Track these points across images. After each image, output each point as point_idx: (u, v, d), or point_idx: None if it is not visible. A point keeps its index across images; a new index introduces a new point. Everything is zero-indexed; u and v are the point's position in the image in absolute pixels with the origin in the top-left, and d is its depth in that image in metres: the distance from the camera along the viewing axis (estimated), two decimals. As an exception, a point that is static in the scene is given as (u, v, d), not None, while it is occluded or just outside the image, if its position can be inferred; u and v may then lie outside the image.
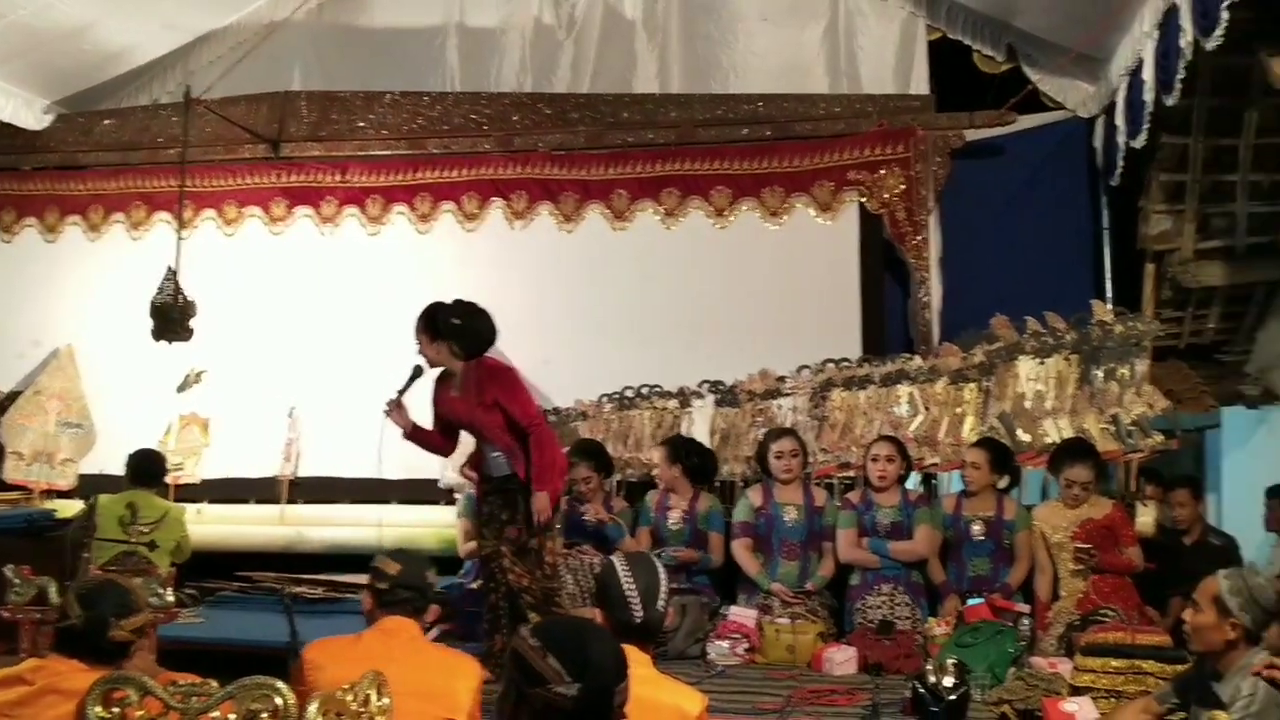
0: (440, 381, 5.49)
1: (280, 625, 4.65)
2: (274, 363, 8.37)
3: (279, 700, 2.59)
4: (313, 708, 2.55)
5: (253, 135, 8.82)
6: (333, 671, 3.24)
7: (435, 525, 7.44)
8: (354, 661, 3.22)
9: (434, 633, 5.41)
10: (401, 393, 5.42)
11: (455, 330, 5.30)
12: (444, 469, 7.64)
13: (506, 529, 5.37)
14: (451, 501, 7.40)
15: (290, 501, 8.15)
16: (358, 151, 8.83)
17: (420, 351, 5.39)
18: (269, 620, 5.46)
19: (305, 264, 8.65)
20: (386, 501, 7.76)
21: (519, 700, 2.28)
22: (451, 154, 8.68)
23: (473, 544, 6.35)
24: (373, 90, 8.90)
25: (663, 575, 3.26)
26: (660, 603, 3.21)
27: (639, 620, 3.17)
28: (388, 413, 5.41)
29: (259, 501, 8.19)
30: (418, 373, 5.44)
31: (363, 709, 2.75)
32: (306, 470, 8.26)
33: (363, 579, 3.77)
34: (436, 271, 8.25)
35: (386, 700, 2.84)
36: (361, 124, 8.86)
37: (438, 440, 5.60)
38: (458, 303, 5.39)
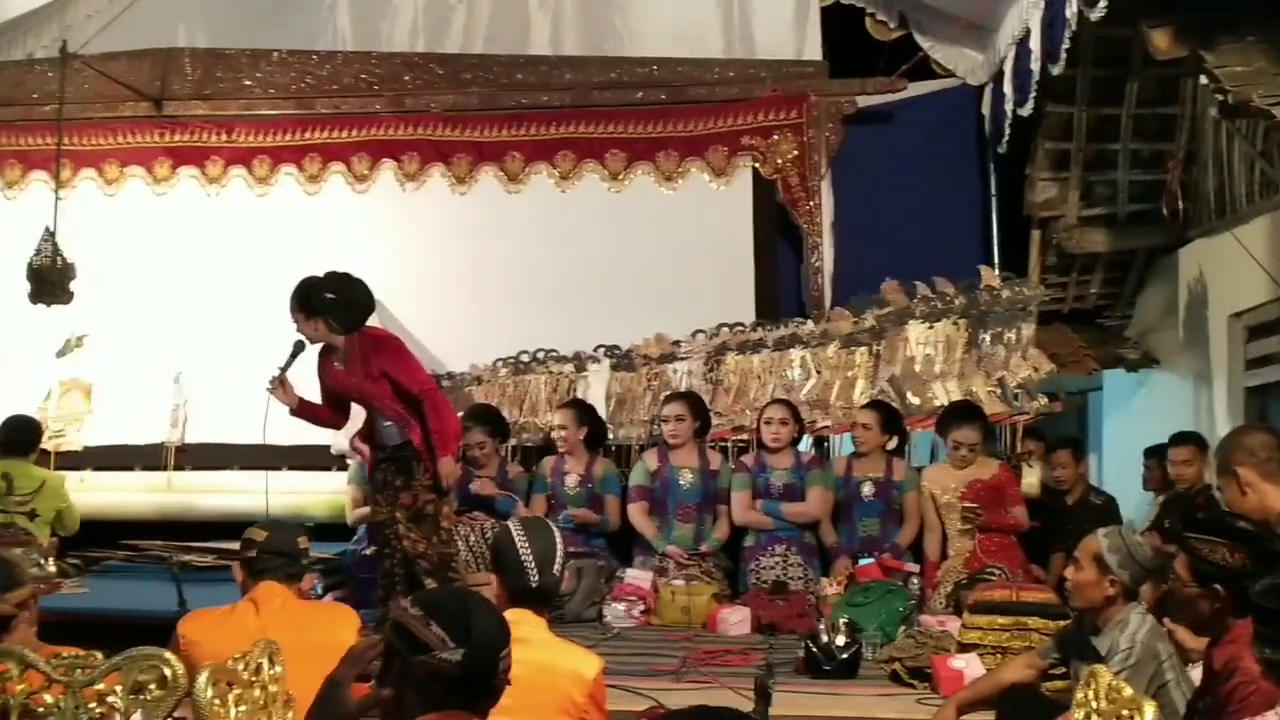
0: (324, 355, 5.39)
1: (168, 594, 4.57)
2: (159, 326, 8.15)
3: (168, 671, 2.55)
4: (202, 678, 2.51)
5: (135, 93, 8.56)
6: (208, 646, 3.20)
7: (326, 492, 7.34)
8: (229, 633, 3.18)
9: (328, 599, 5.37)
10: (284, 370, 5.32)
11: (330, 305, 5.17)
12: (335, 436, 7.54)
13: (401, 495, 5.32)
14: (344, 467, 7.30)
15: (177, 468, 7.98)
16: (244, 111, 8.62)
17: (298, 329, 5.29)
18: (156, 589, 5.35)
19: (190, 225, 8.43)
20: (277, 468, 7.61)
21: (403, 671, 2.26)
22: (341, 114, 8.53)
23: (362, 510, 6.33)
24: (260, 49, 8.68)
25: (559, 539, 3.27)
26: (556, 567, 3.21)
27: (535, 585, 3.17)
28: (271, 390, 5.29)
29: (145, 469, 8.01)
30: (299, 348, 5.34)
31: (254, 678, 2.71)
32: (194, 437, 8.09)
33: (248, 546, 3.71)
34: (326, 234, 8.11)
35: (279, 669, 2.81)
36: (248, 83, 8.65)
37: (326, 414, 5.52)
38: (330, 276, 5.25)
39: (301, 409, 5.42)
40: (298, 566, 3.56)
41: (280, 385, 5.30)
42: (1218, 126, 7.45)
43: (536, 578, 3.17)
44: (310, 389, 5.48)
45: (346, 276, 5.28)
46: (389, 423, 5.33)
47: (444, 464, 5.25)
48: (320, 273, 5.28)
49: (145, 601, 5.41)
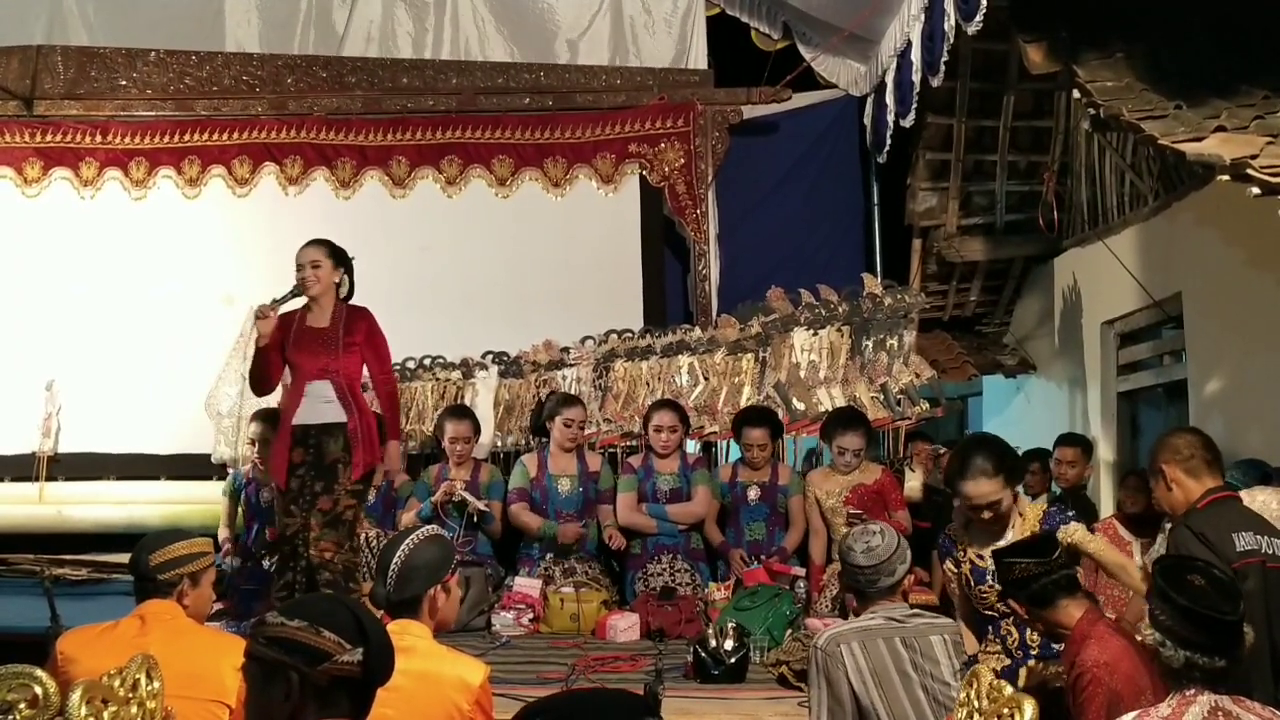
0: (300, 315, 5.34)
1: (39, 609, 4.43)
2: (29, 332, 7.90)
3: (38, 689, 2.46)
4: (75, 696, 2.43)
5: (3, 91, 8.29)
6: (87, 663, 3.09)
7: (206, 502, 7.15)
8: (109, 650, 3.08)
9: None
10: (279, 302, 5.25)
11: (350, 265, 5.42)
12: (216, 444, 7.38)
13: (320, 499, 5.14)
14: (223, 476, 7.15)
15: (49, 479, 7.73)
16: (120, 111, 8.40)
17: (306, 277, 5.26)
18: (26, 604, 5.19)
19: (63, 228, 8.18)
20: (155, 478, 7.44)
21: (301, 685, 2.22)
22: (222, 116, 8.36)
23: (226, 531, 6.37)
24: (135, 48, 8.47)
25: (401, 549, 3.21)
26: (389, 576, 3.17)
27: (376, 593, 3.17)
28: (259, 315, 5.20)
29: (15, 479, 7.74)
30: (297, 290, 5.30)
31: (131, 694, 2.64)
32: (67, 446, 7.84)
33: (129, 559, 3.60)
34: (206, 238, 7.94)
35: (157, 684, 2.74)
36: (124, 82, 8.43)
37: (279, 364, 5.34)
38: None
39: (269, 346, 5.25)
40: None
41: (272, 311, 5.20)
42: (1090, 139, 7.69)
43: (381, 588, 3.18)
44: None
45: None
46: (330, 399, 5.22)
47: (393, 446, 5.35)
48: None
49: (15, 617, 5.23)
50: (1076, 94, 5.83)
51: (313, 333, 5.28)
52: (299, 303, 5.33)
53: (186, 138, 8.32)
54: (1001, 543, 3.85)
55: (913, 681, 3.46)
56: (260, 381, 5.41)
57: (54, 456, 7.80)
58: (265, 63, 8.50)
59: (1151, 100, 5.27)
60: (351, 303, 5.42)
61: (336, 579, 5.12)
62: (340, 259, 5.38)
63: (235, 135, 8.32)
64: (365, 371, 5.45)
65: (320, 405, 5.23)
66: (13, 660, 2.50)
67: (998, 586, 3.76)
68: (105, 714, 2.51)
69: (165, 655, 2.90)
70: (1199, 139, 4.75)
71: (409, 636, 3.00)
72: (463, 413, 6.70)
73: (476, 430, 6.57)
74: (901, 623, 3.57)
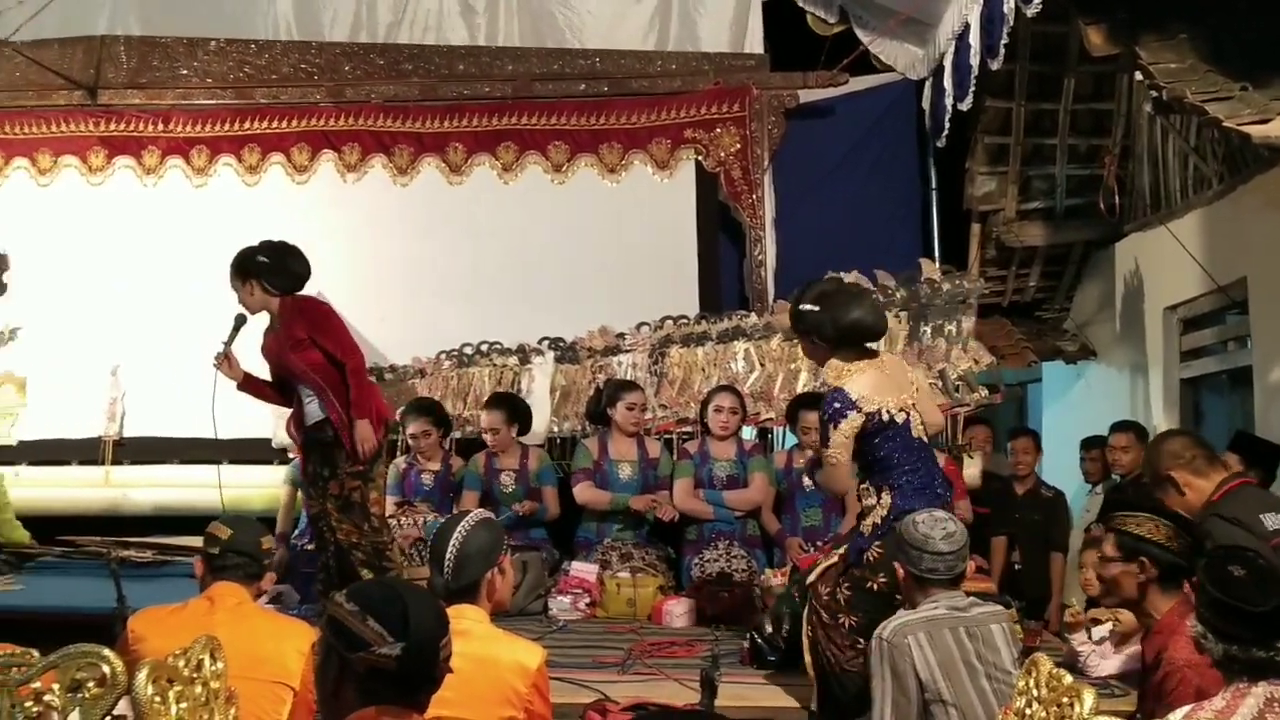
0: (267, 329, 5.38)
1: (106, 591, 4.49)
2: (95, 319, 8.03)
3: (106, 669, 2.52)
4: (142, 675, 2.48)
5: (67, 81, 8.42)
6: (155, 642, 3.15)
7: (267, 486, 7.25)
8: (177, 630, 3.13)
9: (264, 597, 5.31)
10: (227, 344, 5.29)
11: (262, 267, 5.21)
12: (277, 429, 7.47)
13: (329, 484, 5.27)
14: (285, 461, 7.24)
15: (115, 463, 7.87)
16: (181, 100, 8.52)
17: (240, 300, 5.29)
18: (93, 586, 5.26)
19: (127, 216, 8.31)
20: (217, 462, 7.53)
21: (342, 668, 2.25)
22: (280, 104, 8.44)
23: (284, 525, 6.51)
24: (196, 37, 8.58)
25: (454, 537, 3.23)
26: (446, 564, 3.19)
27: (435, 583, 3.19)
28: (217, 365, 5.27)
29: (81, 463, 7.88)
30: (240, 321, 5.33)
31: (195, 674, 2.68)
32: (132, 430, 7.98)
33: (194, 541, 3.66)
34: (266, 225, 7.92)
35: (220, 665, 2.78)
36: (184, 71, 8.54)
37: (270, 392, 5.48)
38: (264, 242, 5.30)
39: (247, 384, 5.39)
40: (257, 568, 3.50)
41: (225, 360, 5.28)
42: (1152, 122, 7.56)
43: (439, 577, 3.19)
44: (261, 368, 5.46)
45: (282, 243, 5.32)
46: (310, 398, 5.27)
47: (360, 426, 5.13)
48: None
49: (82, 598, 5.31)
50: (1138, 76, 5.75)
51: (270, 346, 5.34)
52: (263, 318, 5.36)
53: (246, 125, 8.42)
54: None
55: (978, 673, 3.44)
56: (272, 404, 5.71)
57: (119, 441, 7.95)
58: (323, 50, 8.57)
59: (1216, 82, 5.17)
60: (300, 294, 5.34)
61: (369, 559, 5.23)
62: (244, 271, 5.24)
63: (294, 123, 8.41)
64: None
65: (308, 406, 5.31)
66: (81, 640, 2.55)
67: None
68: (170, 693, 2.55)
69: (230, 637, 2.94)
70: (1265, 120, 4.67)
71: (466, 620, 3.03)
72: (494, 402, 6.71)
73: (511, 419, 6.57)
74: (964, 612, 3.55)
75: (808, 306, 4.25)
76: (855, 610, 4.11)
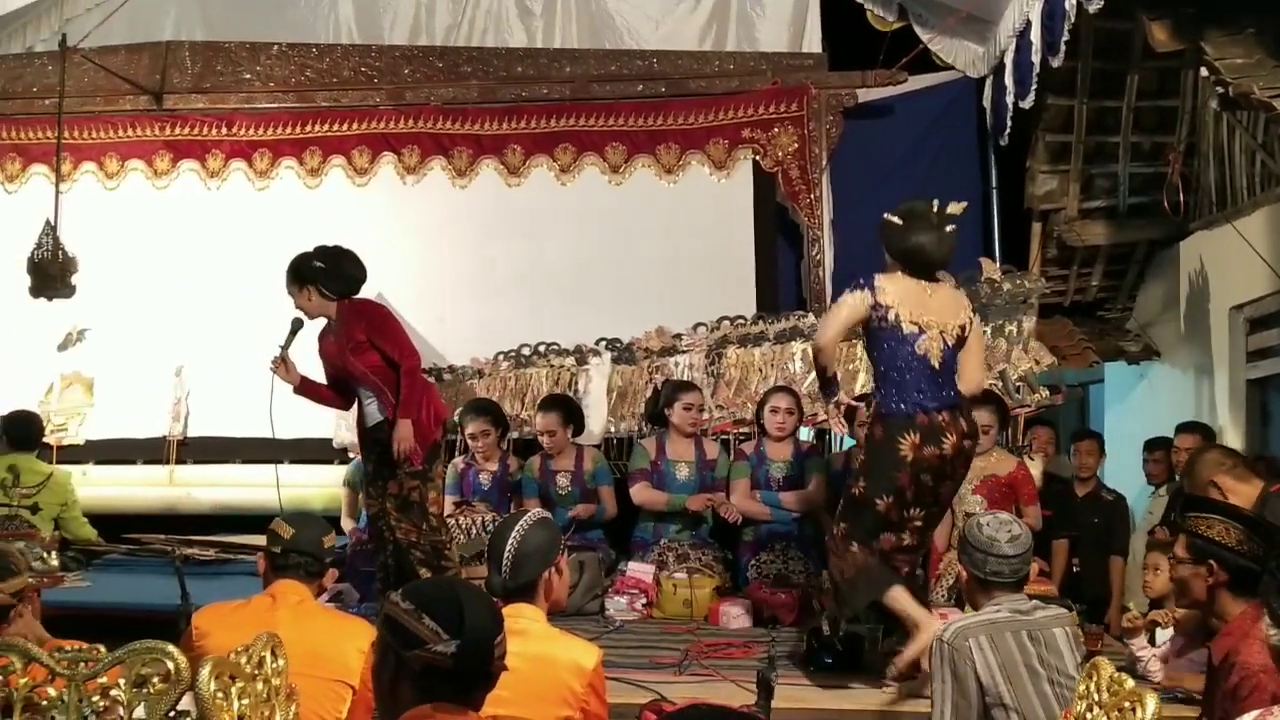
0: (323, 333, 5.46)
1: (170, 588, 4.56)
2: (160, 320, 8.17)
3: (170, 665, 2.55)
4: (205, 671, 2.51)
5: (134, 86, 8.56)
6: (219, 637, 3.19)
7: (328, 485, 7.35)
8: (239, 626, 3.17)
9: (325, 595, 5.37)
10: (284, 348, 5.37)
11: (319, 272, 5.28)
12: (337, 429, 7.56)
13: (388, 484, 5.36)
14: (345, 461, 7.32)
15: (179, 462, 8.00)
16: (244, 104, 8.64)
17: (296, 305, 5.36)
18: (158, 583, 5.36)
19: (191, 218, 8.44)
20: (279, 461, 7.62)
21: (398, 666, 2.27)
22: (341, 107, 8.53)
23: (350, 522, 6.58)
24: (259, 41, 8.69)
25: (512, 537, 3.23)
26: (504, 564, 3.20)
27: (493, 582, 3.19)
28: (274, 369, 5.35)
29: (147, 462, 8.02)
30: (297, 325, 5.40)
31: (257, 671, 2.72)
32: (195, 430, 8.10)
33: (255, 540, 3.71)
34: (327, 227, 8.03)
35: (281, 662, 2.81)
36: (247, 76, 8.66)
37: (328, 394, 5.56)
38: (320, 247, 5.37)
39: (304, 387, 5.47)
40: (319, 566, 3.53)
41: (282, 363, 5.36)
42: (1218, 119, 7.45)
43: (496, 576, 3.20)
44: (316, 372, 5.54)
45: (337, 247, 5.38)
46: (370, 399, 5.36)
47: (401, 426, 5.20)
48: None
49: (148, 595, 5.41)
50: (1204, 72, 5.66)
51: (328, 350, 5.41)
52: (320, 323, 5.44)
53: (307, 129, 8.52)
54: None
55: (1040, 677, 3.41)
56: (330, 407, 5.79)
57: (183, 440, 8.08)
58: (383, 54, 8.65)
59: (1284, 77, 5.10)
60: (357, 297, 5.41)
61: (428, 558, 5.32)
62: (300, 277, 5.31)
63: (354, 126, 8.49)
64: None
65: (367, 408, 5.41)
66: (146, 636, 2.59)
67: None
68: (233, 690, 2.58)
69: (291, 635, 2.97)
70: (1334, 117, 4.59)
71: (523, 619, 3.04)
72: (549, 404, 6.71)
73: (567, 420, 6.58)
74: (1026, 615, 3.52)
75: (892, 218, 4.46)
76: (842, 519, 4.38)
